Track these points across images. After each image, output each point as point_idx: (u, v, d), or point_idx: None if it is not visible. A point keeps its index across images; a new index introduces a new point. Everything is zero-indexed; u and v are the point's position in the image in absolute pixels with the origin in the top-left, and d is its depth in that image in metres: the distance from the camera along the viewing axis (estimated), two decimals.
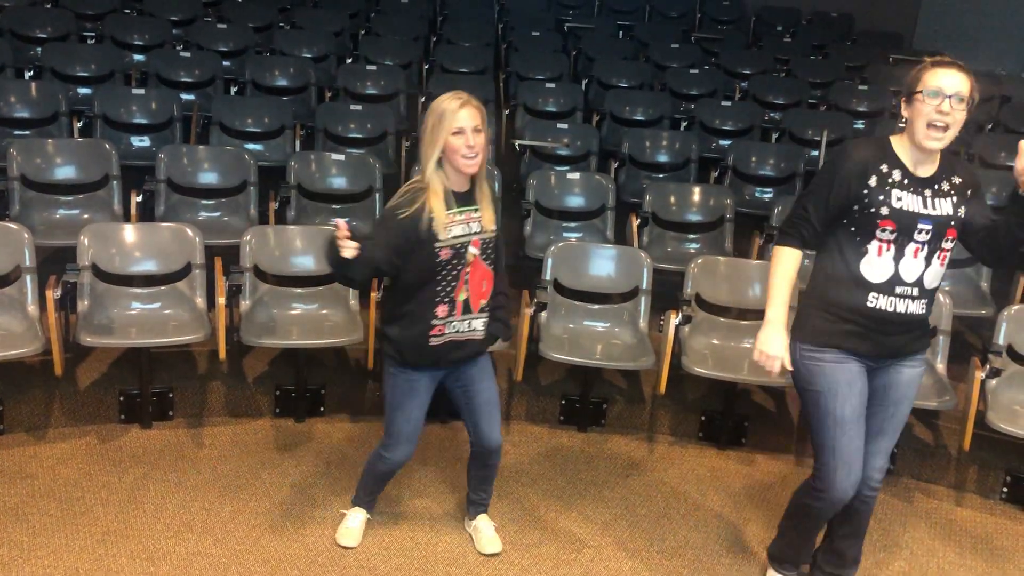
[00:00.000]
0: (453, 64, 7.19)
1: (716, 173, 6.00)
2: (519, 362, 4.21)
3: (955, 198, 2.85)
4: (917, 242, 2.81)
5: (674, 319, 4.13)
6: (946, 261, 2.88)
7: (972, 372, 3.89)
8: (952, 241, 2.86)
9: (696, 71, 7.54)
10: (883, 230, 2.80)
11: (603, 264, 4.55)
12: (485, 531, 3.48)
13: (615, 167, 5.94)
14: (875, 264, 2.82)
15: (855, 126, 6.98)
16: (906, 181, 2.82)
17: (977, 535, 3.86)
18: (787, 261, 2.93)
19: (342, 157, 5.33)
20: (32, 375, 4.11)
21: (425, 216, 2.93)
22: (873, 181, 2.80)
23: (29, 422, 4.04)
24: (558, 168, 5.87)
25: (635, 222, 5.16)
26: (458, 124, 2.89)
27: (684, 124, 6.75)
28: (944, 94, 2.71)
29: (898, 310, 2.85)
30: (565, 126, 6.19)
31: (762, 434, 4.41)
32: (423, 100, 6.54)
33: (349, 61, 7.16)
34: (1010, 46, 8.53)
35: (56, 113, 5.61)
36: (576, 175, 5.49)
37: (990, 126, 7.10)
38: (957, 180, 2.88)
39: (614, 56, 7.76)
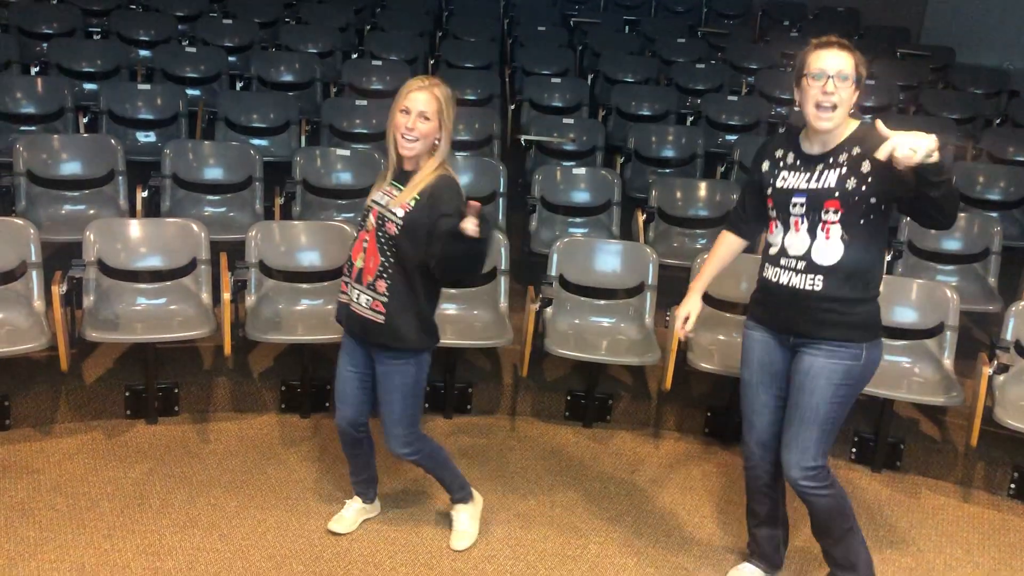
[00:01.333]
0: (459, 59, 7.18)
1: (722, 168, 5.98)
2: (524, 358, 4.21)
3: (844, 169, 2.84)
4: (794, 215, 2.93)
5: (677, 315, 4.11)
6: (833, 235, 2.85)
7: (979, 368, 3.87)
8: (835, 213, 2.85)
9: (702, 66, 7.52)
10: (770, 208, 3.02)
11: (609, 260, 4.54)
12: (458, 522, 3.49)
13: (621, 162, 5.93)
14: (771, 239, 3.04)
15: (862, 120, 6.94)
16: (798, 162, 2.96)
17: (985, 531, 3.85)
18: (719, 242, 3.29)
19: (347, 152, 5.33)
20: (38, 371, 4.11)
21: (378, 180, 3.14)
22: (765, 166, 3.05)
23: (35, 418, 4.05)
24: (564, 163, 5.86)
25: (641, 217, 5.14)
26: (406, 103, 2.96)
27: (690, 119, 6.73)
28: (827, 74, 2.80)
29: (781, 281, 2.97)
30: (571, 121, 6.18)
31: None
32: None
33: (355, 57, 7.16)
34: (1018, 40, 8.48)
35: (62, 109, 5.62)
36: (582, 170, 5.48)
37: (998, 121, 7.07)
38: (856, 151, 2.85)
39: (620, 51, 7.73)
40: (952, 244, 5.07)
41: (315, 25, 7.52)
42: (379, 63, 6.83)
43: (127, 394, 4.16)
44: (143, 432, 4.09)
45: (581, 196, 5.38)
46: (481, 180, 5.28)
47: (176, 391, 4.22)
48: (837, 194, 2.84)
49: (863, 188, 2.81)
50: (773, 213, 3.01)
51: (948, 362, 4.18)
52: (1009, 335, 4.09)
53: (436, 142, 3.01)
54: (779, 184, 2.97)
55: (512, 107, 6.68)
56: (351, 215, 5.10)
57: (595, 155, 6.02)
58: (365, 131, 5.93)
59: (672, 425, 4.48)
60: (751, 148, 5.98)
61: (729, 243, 3.27)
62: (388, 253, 3.02)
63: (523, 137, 6.09)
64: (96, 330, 3.92)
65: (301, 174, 5.14)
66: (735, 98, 6.97)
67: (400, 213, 2.99)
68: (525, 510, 3.72)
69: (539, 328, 4.25)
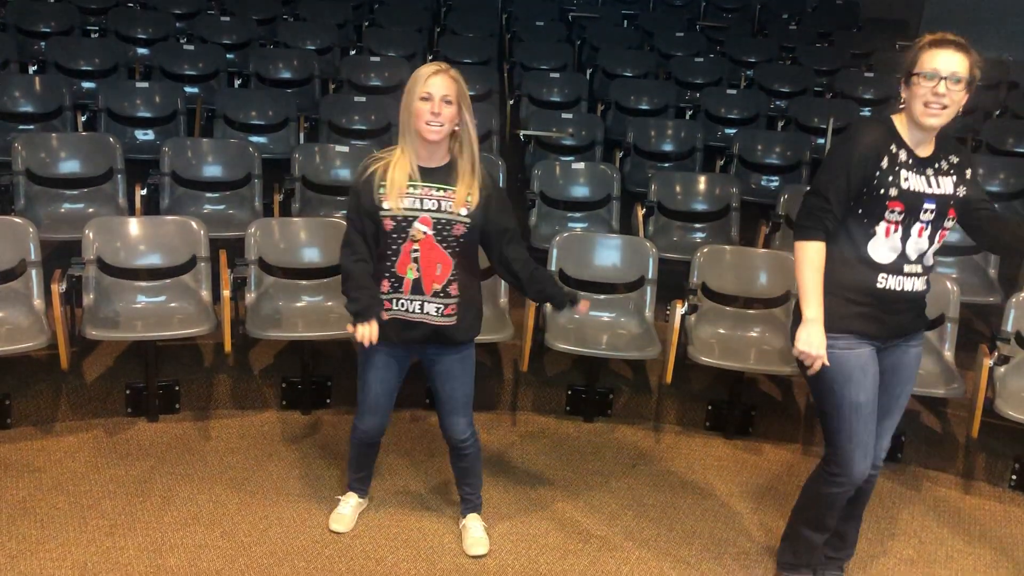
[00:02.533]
0: (457, 55, 7.17)
1: (722, 162, 5.98)
2: (525, 353, 4.21)
3: (954, 177, 2.85)
4: (922, 221, 2.80)
5: (680, 308, 4.11)
6: (944, 239, 2.90)
7: (980, 359, 3.87)
8: (952, 220, 2.87)
9: (701, 59, 7.51)
10: (892, 211, 2.78)
11: (608, 254, 4.53)
12: (472, 531, 3.44)
13: (620, 157, 5.92)
14: (883, 245, 2.81)
15: (861, 114, 6.94)
16: (911, 161, 2.80)
17: (986, 523, 3.85)
18: (814, 255, 2.82)
19: (346, 149, 5.32)
20: (38, 369, 4.11)
21: (376, 183, 2.96)
22: (885, 163, 2.77)
23: (36, 416, 4.05)
24: (563, 158, 5.86)
25: (640, 212, 5.14)
26: (427, 89, 2.90)
27: (689, 113, 6.73)
28: (940, 75, 2.68)
29: (906, 288, 2.85)
30: (570, 116, 6.17)
31: (769, 423, 4.40)
32: None
33: (353, 53, 7.15)
34: (1018, 32, 8.47)
35: (60, 107, 5.62)
36: (581, 165, 5.48)
37: (997, 112, 7.06)
38: (954, 159, 2.87)
39: (619, 45, 7.73)
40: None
41: (313, 22, 7.51)
42: (377, 59, 6.82)
43: (128, 392, 4.16)
44: (144, 430, 4.09)
45: (580, 191, 5.38)
46: None
47: (177, 389, 4.22)
48: (953, 202, 2.83)
49: (966, 195, 2.87)
50: (898, 216, 2.79)
51: (949, 354, 4.18)
52: (1010, 326, 4.09)
53: (457, 128, 2.97)
54: (905, 185, 2.76)
55: (511, 102, 6.67)
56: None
57: (594, 150, 6.01)
58: (364, 127, 5.93)
59: (673, 419, 4.48)
60: (750, 142, 6.04)
61: (822, 253, 2.84)
62: (458, 253, 3.01)
63: (522, 132, 6.08)
64: (96, 328, 3.91)
65: (300, 171, 5.14)
66: (734, 91, 6.96)
67: (465, 212, 2.97)
68: (526, 505, 3.72)
69: (539, 323, 4.25)
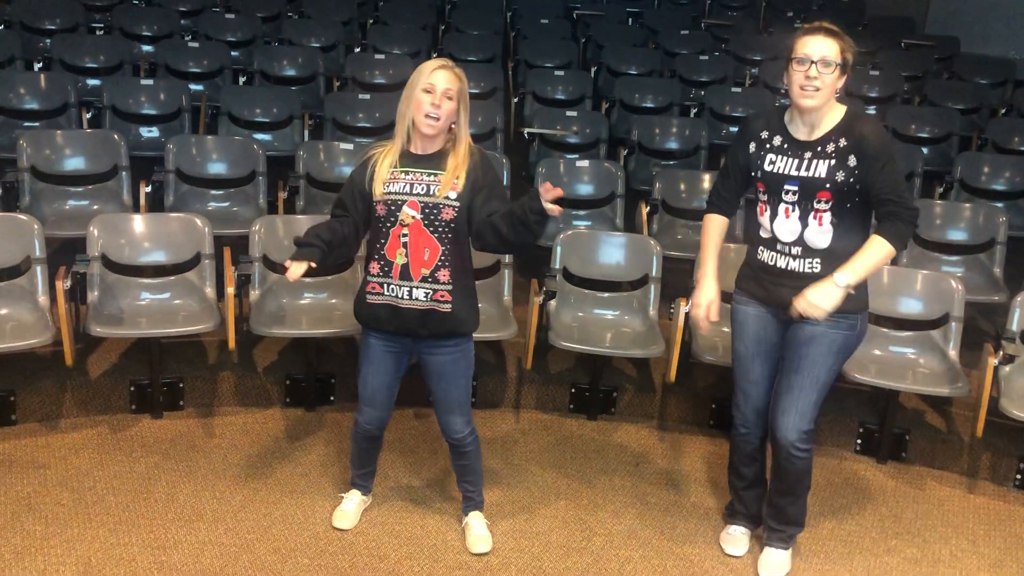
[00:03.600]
0: (462, 52, 7.16)
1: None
2: (528, 351, 4.20)
3: (833, 161, 2.96)
4: (786, 202, 3.02)
5: (684, 307, 4.11)
6: (825, 221, 2.99)
7: (985, 358, 3.86)
8: (827, 203, 2.98)
9: (706, 57, 7.49)
10: (759, 191, 3.10)
11: (613, 252, 4.53)
12: (474, 529, 3.44)
13: (624, 155, 5.92)
14: (762, 222, 3.11)
15: (867, 111, 6.93)
16: (785, 145, 3.03)
17: (990, 522, 3.84)
18: (707, 224, 3.29)
19: (351, 146, 5.32)
20: (43, 366, 4.12)
21: (369, 170, 3.03)
22: (752, 147, 3.09)
23: (41, 412, 4.06)
24: (567, 156, 5.85)
25: (645, 210, 5.13)
26: (431, 81, 2.94)
27: (694, 111, 6.71)
28: (811, 60, 2.90)
29: (779, 265, 3.09)
30: (574, 114, 6.16)
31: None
32: None
33: (357, 50, 7.14)
34: (1023, 30, 8.44)
35: (65, 104, 5.62)
36: (585, 163, 5.47)
37: (1003, 111, 7.04)
38: (843, 143, 2.96)
39: (623, 43, 7.72)
40: (957, 234, 5.06)
41: (318, 19, 7.51)
42: (382, 57, 6.82)
43: (132, 389, 4.16)
44: (148, 426, 4.10)
45: (585, 188, 5.37)
46: None
47: (181, 385, 4.22)
48: (828, 185, 2.97)
49: (851, 180, 2.96)
50: (764, 196, 3.09)
51: (953, 353, 4.17)
52: (1015, 326, 4.08)
53: (452, 124, 3.01)
54: (768, 167, 3.05)
55: (515, 100, 6.67)
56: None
57: (599, 147, 6.00)
58: (368, 125, 5.92)
59: (677, 417, 4.48)
60: None
61: (718, 224, 3.29)
62: (447, 240, 3.01)
63: (526, 130, 6.08)
64: (100, 325, 3.92)
65: (304, 168, 5.14)
66: (739, 89, 6.95)
67: (454, 195, 2.99)
68: (530, 502, 3.72)
69: (543, 321, 4.25)
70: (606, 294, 4.48)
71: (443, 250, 3.01)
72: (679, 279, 4.55)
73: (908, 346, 4.22)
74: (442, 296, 3.05)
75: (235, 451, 3.95)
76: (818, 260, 3.03)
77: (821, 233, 3.01)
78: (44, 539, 3.28)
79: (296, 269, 2.99)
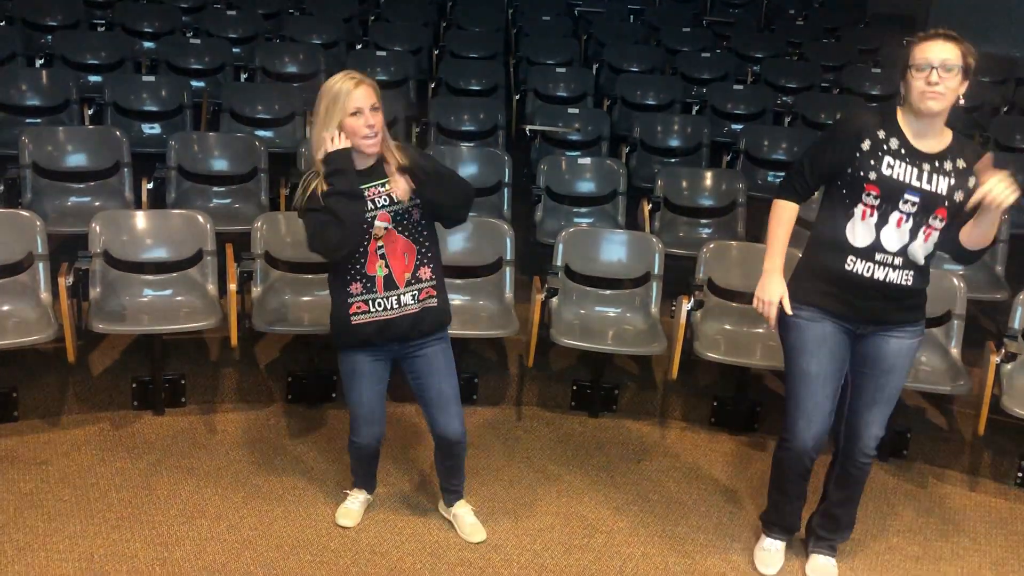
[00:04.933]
0: (463, 49, 7.15)
1: (728, 157, 5.96)
2: (530, 348, 4.21)
3: (953, 180, 2.90)
4: (902, 212, 2.89)
5: (686, 304, 4.11)
6: (931, 237, 2.94)
7: (987, 356, 3.86)
8: (942, 220, 2.92)
9: (708, 55, 7.48)
10: (868, 194, 2.90)
11: (614, 249, 4.53)
12: (465, 519, 3.44)
13: (626, 152, 5.91)
14: (858, 228, 2.92)
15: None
16: (903, 151, 2.90)
17: (992, 520, 3.84)
18: (783, 213, 3.07)
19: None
20: (45, 362, 4.12)
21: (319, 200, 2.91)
22: (866, 145, 2.90)
23: (43, 409, 4.06)
24: (569, 153, 5.84)
25: (646, 207, 5.13)
26: (355, 104, 2.88)
27: (696, 108, 6.71)
28: (931, 64, 2.80)
29: (875, 276, 2.93)
30: (576, 111, 6.15)
31: (774, 419, 4.38)
32: (433, 86, 6.53)
33: (359, 47, 7.14)
34: None
35: (67, 101, 5.61)
36: (587, 160, 5.46)
37: (1005, 108, 7.03)
38: (961, 164, 2.91)
39: (625, 40, 7.71)
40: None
41: (319, 16, 7.50)
42: (384, 54, 6.81)
43: (134, 385, 4.17)
44: (150, 423, 4.10)
45: (586, 186, 5.37)
46: (486, 170, 5.26)
47: (183, 382, 4.22)
48: (946, 204, 2.90)
49: (963, 202, 2.89)
50: (874, 201, 2.90)
51: (955, 351, 4.17)
52: (1017, 324, 4.08)
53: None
54: (886, 172, 2.88)
55: (517, 97, 6.66)
56: None
57: (600, 145, 6.00)
58: None
59: (678, 415, 4.48)
60: (757, 137, 6.02)
61: (791, 213, 3.07)
62: (421, 238, 3.04)
63: (528, 127, 6.07)
64: (103, 322, 3.92)
65: (306, 165, 5.13)
66: (741, 87, 6.93)
67: (412, 196, 3.00)
68: (531, 499, 3.73)
69: (545, 318, 4.25)
70: (608, 291, 4.48)
71: (419, 248, 3.04)
72: (681, 276, 4.54)
73: None
74: (428, 293, 3.08)
75: (237, 448, 3.95)
76: (913, 273, 2.94)
77: (924, 248, 2.94)
78: (46, 535, 3.29)
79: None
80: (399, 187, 2.99)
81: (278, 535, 3.38)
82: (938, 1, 9.44)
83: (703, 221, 5.29)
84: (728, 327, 4.34)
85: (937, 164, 2.89)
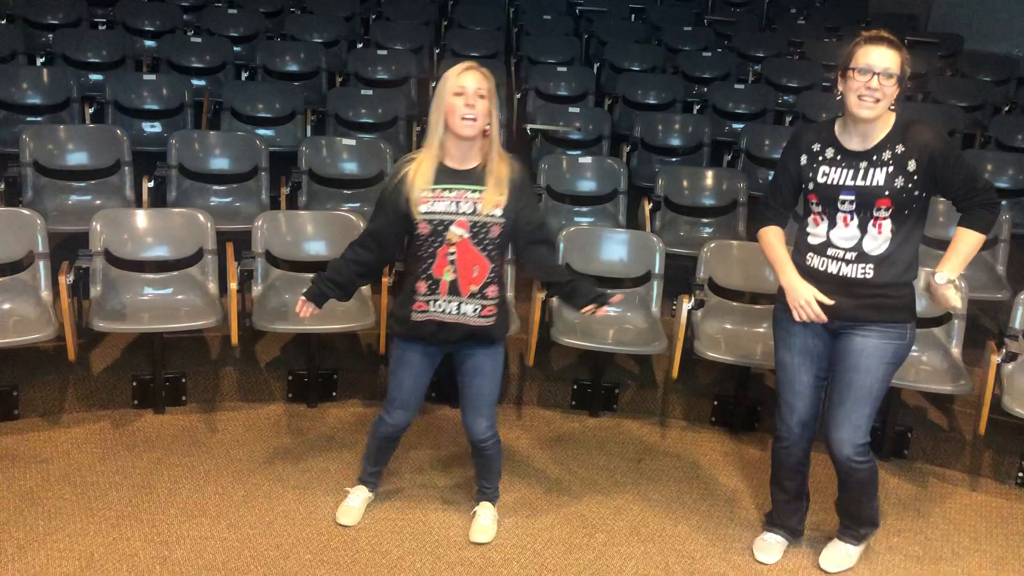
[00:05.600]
0: (464, 48, 7.16)
1: (729, 157, 5.96)
2: (531, 347, 4.21)
3: (891, 168, 2.95)
4: (843, 211, 2.99)
5: (687, 303, 4.11)
6: (884, 228, 2.98)
7: (988, 356, 3.85)
8: (886, 211, 2.96)
9: (709, 54, 7.49)
10: (812, 203, 3.06)
11: (615, 249, 4.53)
12: (480, 518, 3.46)
13: (627, 151, 5.91)
14: (814, 233, 3.08)
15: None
16: (838, 157, 3.00)
17: (993, 520, 3.84)
18: (770, 236, 3.21)
19: (353, 142, 5.33)
20: (46, 360, 4.13)
21: (406, 188, 2.97)
22: (804, 160, 3.06)
23: (43, 407, 4.06)
24: (570, 152, 5.84)
25: (647, 206, 5.13)
26: (460, 84, 2.90)
27: (697, 107, 6.71)
28: (873, 71, 2.86)
29: (830, 270, 3.04)
30: (577, 110, 6.16)
31: (774, 419, 4.37)
32: (434, 85, 6.51)
33: (360, 46, 7.14)
34: None
35: (68, 99, 5.62)
36: (588, 159, 5.46)
37: (1007, 108, 7.03)
38: (900, 149, 2.95)
39: (626, 39, 7.70)
40: None
41: (320, 14, 7.51)
42: (384, 52, 6.81)
43: (134, 384, 4.17)
44: (151, 422, 4.10)
45: (587, 185, 5.37)
46: None
47: (183, 381, 4.23)
48: (887, 192, 2.94)
49: (910, 185, 2.94)
50: (817, 208, 3.05)
51: (956, 350, 4.16)
52: (1018, 323, 4.07)
53: (487, 128, 2.97)
54: (821, 180, 3.01)
55: (518, 96, 6.66)
56: (357, 205, 5.10)
57: (601, 144, 6.00)
58: (371, 121, 5.93)
59: (679, 414, 4.48)
60: (758, 136, 6.01)
61: (778, 233, 3.22)
62: (495, 256, 3.04)
63: (529, 126, 6.07)
64: (103, 320, 3.92)
65: (307, 164, 5.14)
66: (742, 86, 6.94)
67: (499, 213, 2.99)
68: (532, 499, 3.73)
69: (545, 317, 4.25)
70: (608, 290, 4.46)
71: (492, 267, 3.03)
72: (681, 276, 4.54)
73: None
74: (489, 311, 3.08)
75: (237, 447, 3.95)
76: (871, 266, 3.00)
77: (879, 240, 2.98)
78: (46, 534, 3.29)
79: (305, 309, 3.17)
80: (489, 200, 2.98)
81: (278, 533, 3.38)
82: (938, 1, 9.44)
83: (704, 220, 5.29)
84: (729, 326, 4.33)
85: (875, 158, 2.96)
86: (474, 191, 2.97)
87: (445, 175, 2.98)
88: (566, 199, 5.31)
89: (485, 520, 3.46)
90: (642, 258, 4.48)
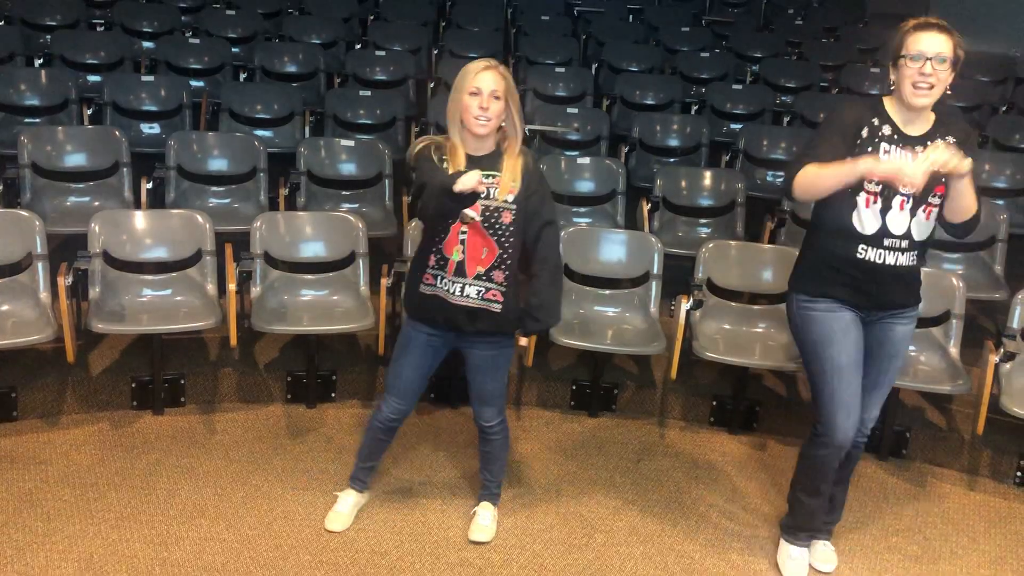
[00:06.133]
0: (462, 49, 7.15)
1: (727, 157, 5.97)
2: (530, 348, 4.21)
3: None
4: (903, 195, 2.91)
5: (685, 304, 4.11)
6: (932, 215, 2.97)
7: (986, 356, 3.86)
8: (939, 197, 2.94)
9: (707, 54, 7.49)
10: (870, 182, 2.89)
11: (614, 249, 4.53)
12: (479, 518, 3.47)
13: (625, 152, 5.91)
14: (864, 216, 2.93)
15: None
16: (896, 136, 2.93)
17: (991, 519, 3.85)
18: (811, 168, 2.86)
19: (351, 143, 5.33)
20: (45, 362, 4.12)
21: (436, 158, 3.02)
22: (865, 132, 2.93)
23: (42, 409, 4.06)
24: (568, 153, 5.84)
25: (646, 207, 5.13)
26: (476, 84, 2.95)
27: (695, 108, 6.71)
28: (925, 56, 2.82)
29: (887, 261, 2.96)
30: (575, 111, 6.15)
31: (773, 419, 4.40)
32: (432, 85, 6.53)
33: (358, 47, 7.14)
34: None
35: (66, 100, 5.61)
36: (586, 160, 5.47)
37: (1004, 108, 7.03)
38: (951, 140, 2.93)
39: (624, 40, 7.71)
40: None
41: (318, 15, 7.50)
42: (382, 53, 6.81)
43: (133, 385, 4.17)
44: (149, 423, 4.10)
45: (585, 185, 5.37)
46: None
47: (182, 382, 4.22)
48: (944, 179, 2.88)
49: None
50: (874, 187, 2.91)
51: (954, 350, 4.17)
52: (1015, 323, 4.08)
53: (503, 124, 3.03)
54: (884, 158, 2.89)
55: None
56: (355, 205, 5.10)
57: (599, 144, 6.00)
58: (369, 121, 5.93)
59: (678, 414, 4.48)
60: (756, 137, 6.02)
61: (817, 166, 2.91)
62: (506, 243, 3.05)
63: (527, 127, 6.07)
64: (102, 321, 3.92)
65: (305, 165, 5.14)
66: (740, 87, 6.94)
67: (511, 199, 3.03)
68: (531, 499, 3.73)
69: None
70: (607, 291, 4.48)
71: (500, 253, 3.05)
72: (680, 276, 4.54)
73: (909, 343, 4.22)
74: (494, 296, 3.08)
75: (236, 448, 3.95)
76: (916, 253, 2.99)
77: (925, 227, 2.98)
78: (45, 535, 3.28)
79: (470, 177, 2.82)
80: (504, 186, 3.01)
81: (277, 535, 3.38)
82: (936, 1, 9.44)
83: (702, 221, 5.29)
84: (727, 327, 4.34)
85: (928, 144, 2.91)
86: (488, 175, 3.00)
87: (468, 161, 3.03)
88: (564, 199, 5.31)
89: (485, 520, 3.46)
90: (640, 258, 4.49)
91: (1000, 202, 5.49)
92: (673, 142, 6.10)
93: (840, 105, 3.03)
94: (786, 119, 6.62)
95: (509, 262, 3.08)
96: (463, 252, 3.03)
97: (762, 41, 8.02)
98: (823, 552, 3.42)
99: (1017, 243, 5.13)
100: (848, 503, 3.78)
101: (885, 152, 2.90)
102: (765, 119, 6.63)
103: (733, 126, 6.52)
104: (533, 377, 4.48)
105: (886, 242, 2.94)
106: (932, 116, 2.97)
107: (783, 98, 7.02)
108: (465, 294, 3.06)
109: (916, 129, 2.94)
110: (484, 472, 3.50)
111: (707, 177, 5.40)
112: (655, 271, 4.46)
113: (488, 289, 3.07)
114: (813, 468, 3.20)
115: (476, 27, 7.73)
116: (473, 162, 3.01)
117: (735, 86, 6.94)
